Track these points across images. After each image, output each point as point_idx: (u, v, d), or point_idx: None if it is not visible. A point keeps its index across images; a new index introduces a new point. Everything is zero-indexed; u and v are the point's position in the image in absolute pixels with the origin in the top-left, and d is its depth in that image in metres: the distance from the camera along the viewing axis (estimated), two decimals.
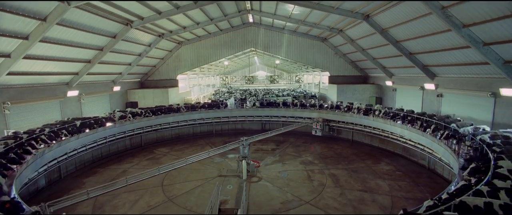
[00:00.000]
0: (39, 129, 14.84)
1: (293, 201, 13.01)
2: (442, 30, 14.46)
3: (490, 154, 9.62)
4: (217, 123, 27.21)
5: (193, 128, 26.56)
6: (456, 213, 6.51)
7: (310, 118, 25.23)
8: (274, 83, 57.01)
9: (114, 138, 20.44)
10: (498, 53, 12.76)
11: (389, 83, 26.10)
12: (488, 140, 10.93)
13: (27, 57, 14.84)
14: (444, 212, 6.60)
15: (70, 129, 16.43)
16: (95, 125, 18.49)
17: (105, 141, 19.64)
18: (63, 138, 15.63)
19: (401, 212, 7.14)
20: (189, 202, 13.05)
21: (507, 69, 12.86)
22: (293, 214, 11.92)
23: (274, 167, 17.58)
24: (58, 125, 16.20)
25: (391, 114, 19.28)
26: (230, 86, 53.97)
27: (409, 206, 11.48)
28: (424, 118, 16.30)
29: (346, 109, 23.45)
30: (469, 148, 11.75)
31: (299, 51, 31.80)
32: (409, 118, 17.50)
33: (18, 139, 12.92)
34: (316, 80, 46.12)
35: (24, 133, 14.04)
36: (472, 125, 13.80)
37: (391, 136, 19.71)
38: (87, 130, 17.81)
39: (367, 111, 21.48)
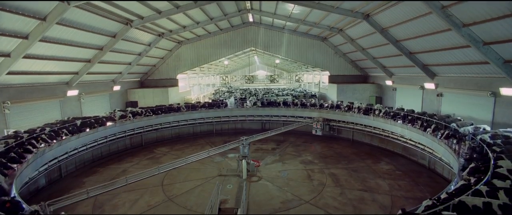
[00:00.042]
0: (39, 129, 14.87)
1: (293, 200, 13.02)
2: (442, 30, 14.45)
3: (490, 154, 9.62)
4: (217, 123, 27.22)
5: (193, 128, 26.58)
6: (454, 213, 6.50)
7: (310, 118, 25.25)
8: (274, 83, 57.02)
9: (114, 137, 20.45)
10: (498, 53, 12.76)
11: (389, 82, 26.10)
12: (489, 140, 10.91)
13: (27, 57, 14.84)
14: (442, 212, 6.59)
15: (70, 128, 16.44)
16: (95, 125, 18.50)
17: (105, 140, 19.65)
18: (63, 138, 15.64)
19: (400, 212, 7.12)
20: (189, 201, 13.06)
21: (507, 68, 12.86)
22: (293, 214, 11.93)
23: (274, 166, 17.59)
24: (58, 125, 16.23)
25: (392, 113, 19.27)
26: (230, 86, 53.98)
27: (409, 205, 11.50)
28: (425, 117, 16.28)
29: (346, 108, 23.46)
30: (469, 147, 11.74)
31: (299, 50, 31.79)
32: (409, 117, 17.50)
33: (18, 138, 12.93)
34: (316, 80, 46.14)
35: (25, 132, 14.07)
36: (472, 124, 13.79)
37: (391, 135, 19.71)
38: (88, 130, 17.82)
39: (368, 111, 21.48)
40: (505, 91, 13.71)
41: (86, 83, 22.61)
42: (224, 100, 28.59)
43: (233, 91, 41.77)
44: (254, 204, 12.67)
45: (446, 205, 6.85)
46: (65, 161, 16.31)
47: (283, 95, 35.52)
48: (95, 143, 18.83)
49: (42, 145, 13.92)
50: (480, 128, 13.14)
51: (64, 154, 15.95)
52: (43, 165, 14.14)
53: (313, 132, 24.58)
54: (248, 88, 45.59)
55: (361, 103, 23.24)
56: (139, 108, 23.79)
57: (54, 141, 14.82)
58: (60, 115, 20.04)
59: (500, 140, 10.74)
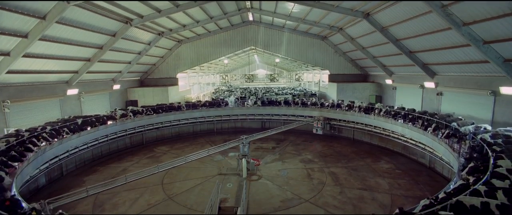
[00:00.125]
0: (40, 127, 14.91)
1: (293, 199, 13.04)
2: (442, 29, 14.43)
3: (490, 153, 9.60)
4: (217, 122, 27.24)
5: (193, 127, 26.60)
6: (451, 213, 6.48)
7: (311, 117, 25.28)
8: (274, 82, 56.88)
9: (115, 136, 20.51)
10: (498, 52, 12.75)
11: (389, 81, 26.09)
12: (489, 139, 10.87)
13: (27, 56, 14.80)
14: (440, 212, 6.57)
15: (71, 127, 16.48)
16: (96, 123, 18.53)
17: (106, 139, 19.71)
18: (64, 136, 15.65)
19: (397, 211, 7.11)
20: (189, 200, 13.08)
21: (507, 67, 12.85)
22: (293, 212, 11.95)
23: (274, 165, 17.61)
24: (59, 123, 16.26)
25: (393, 113, 19.26)
26: (230, 85, 53.93)
27: (408, 204, 11.55)
28: (425, 117, 16.25)
29: (347, 107, 23.45)
30: (469, 147, 11.73)
31: (299, 49, 31.74)
32: (410, 116, 17.47)
33: (20, 136, 12.95)
34: (316, 79, 46.10)
35: (26, 131, 14.10)
36: (473, 124, 13.75)
37: (392, 134, 19.71)
38: (89, 128, 17.84)
39: (369, 110, 21.47)
40: (505, 90, 13.71)
41: (86, 82, 22.58)
42: (224, 99, 28.60)
43: (233, 90, 41.75)
44: (254, 203, 12.69)
45: (444, 205, 6.84)
46: (65, 160, 16.35)
47: (283, 94, 35.50)
48: (96, 142, 18.89)
49: (43, 143, 13.94)
50: (481, 127, 13.11)
51: (65, 152, 16.00)
52: (44, 164, 14.18)
53: (314, 131, 24.61)
54: (248, 87, 45.55)
55: (362, 102, 23.23)
56: (140, 107, 23.81)
57: (55, 139, 14.85)
58: (60, 114, 20.03)
59: (501, 140, 10.71)
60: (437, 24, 14.43)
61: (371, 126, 21.36)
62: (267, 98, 29.03)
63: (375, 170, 16.50)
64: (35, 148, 13.02)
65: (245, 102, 28.32)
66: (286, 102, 27.27)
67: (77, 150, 17.23)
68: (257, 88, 43.94)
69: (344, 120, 23.78)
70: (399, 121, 18.39)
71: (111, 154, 20.34)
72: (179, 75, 33.52)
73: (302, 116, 25.98)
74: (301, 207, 12.36)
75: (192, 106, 26.23)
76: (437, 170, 15.99)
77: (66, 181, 15.64)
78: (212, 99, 30.63)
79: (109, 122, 19.77)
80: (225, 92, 39.82)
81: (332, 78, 31.87)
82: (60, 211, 7.82)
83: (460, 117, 15.48)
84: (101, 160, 19.24)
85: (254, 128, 26.54)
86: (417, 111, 17.94)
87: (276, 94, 36.00)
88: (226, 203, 12.30)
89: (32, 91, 17.50)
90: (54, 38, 15.59)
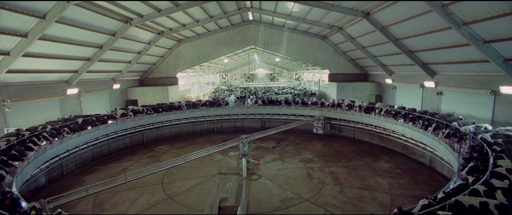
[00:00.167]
0: (41, 126, 14.92)
1: (292, 198, 13.05)
2: (442, 28, 14.43)
3: (490, 153, 9.60)
4: (217, 121, 27.25)
5: (193, 126, 26.61)
6: (450, 213, 6.48)
7: (311, 116, 25.28)
8: (274, 81, 56.89)
9: (116, 135, 20.51)
10: (498, 51, 12.75)
11: (389, 81, 26.08)
12: (490, 139, 10.85)
13: (26, 55, 14.80)
14: (438, 212, 6.56)
15: (72, 126, 16.49)
16: (97, 123, 18.55)
17: (107, 138, 19.72)
18: (65, 135, 15.66)
19: (396, 210, 7.10)
20: (189, 199, 13.09)
21: (507, 67, 12.85)
22: (293, 212, 11.96)
23: (274, 165, 17.61)
24: (60, 123, 16.28)
25: (393, 112, 19.25)
26: (229, 84, 53.92)
27: (408, 203, 11.56)
28: (426, 116, 16.22)
29: (347, 107, 23.45)
30: (469, 146, 11.72)
31: (299, 49, 31.73)
32: (410, 116, 17.46)
33: (20, 136, 12.97)
34: (316, 78, 46.08)
35: (27, 130, 14.11)
36: (474, 123, 13.72)
37: (392, 134, 19.71)
38: (89, 127, 17.85)
39: (369, 110, 21.46)
40: (505, 89, 13.72)
41: (85, 82, 22.58)
42: (225, 98, 28.61)
43: (233, 89, 41.73)
44: (254, 202, 12.70)
45: (442, 205, 6.83)
46: (65, 159, 16.34)
47: (283, 94, 35.48)
48: (97, 141, 18.89)
49: (44, 143, 13.95)
50: (481, 127, 13.09)
51: (65, 151, 15.99)
52: (44, 163, 14.18)
53: (315, 130, 24.63)
54: (248, 87, 45.54)
55: (362, 102, 23.22)
56: (141, 106, 23.83)
57: (56, 139, 14.86)
58: (60, 113, 20.03)
59: (501, 139, 10.70)
60: (437, 23, 14.43)
61: (372, 125, 21.36)
62: (267, 98, 29.03)
63: (375, 169, 16.51)
64: (35, 147, 13.03)
65: (246, 102, 28.32)
66: (287, 102, 27.28)
67: (77, 149, 17.23)
68: (257, 88, 43.92)
69: (345, 120, 23.77)
70: (400, 120, 18.39)
71: (111, 154, 20.34)
72: (179, 75, 33.53)
73: (303, 115, 25.98)
74: (301, 206, 12.37)
75: (193, 105, 26.25)
76: (437, 169, 15.99)
77: (66, 181, 15.65)
78: (213, 98, 30.61)
79: (110, 122, 19.77)
80: (225, 92, 39.80)
81: (332, 78, 31.87)
82: (59, 210, 7.81)
83: (460, 117, 15.47)
84: (101, 159, 19.24)
85: (254, 128, 26.55)
86: (417, 110, 17.92)
87: (276, 93, 35.98)
88: (226, 203, 12.31)
89: (32, 90, 17.50)
90: (54, 38, 15.59)
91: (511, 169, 8.17)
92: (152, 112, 23.29)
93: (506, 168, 8.24)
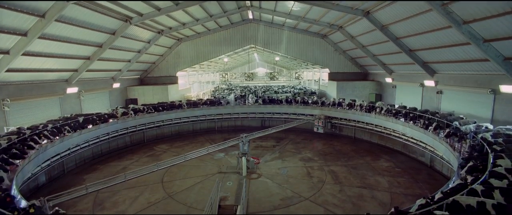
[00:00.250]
0: (42, 125, 14.95)
1: (292, 197, 13.07)
2: (442, 27, 14.41)
3: (490, 153, 9.58)
4: (217, 120, 27.27)
5: (193, 125, 26.62)
6: (447, 213, 6.47)
7: (311, 115, 25.29)
8: (274, 80, 56.87)
9: (116, 134, 20.54)
10: (498, 50, 12.74)
11: (389, 80, 26.08)
12: (490, 139, 10.83)
13: (26, 54, 14.79)
14: (435, 211, 6.55)
15: (72, 125, 16.51)
16: (98, 121, 18.57)
17: (107, 137, 19.75)
18: (66, 134, 15.68)
19: (393, 210, 7.07)
20: (189, 198, 13.11)
21: (507, 66, 12.85)
22: (292, 211, 11.98)
23: (273, 163, 17.63)
24: (61, 121, 16.31)
25: (394, 111, 19.24)
26: (229, 83, 53.86)
27: (407, 202, 11.59)
28: (427, 115, 16.18)
29: (348, 106, 23.44)
30: (470, 146, 11.72)
31: (299, 47, 31.70)
32: (411, 115, 17.45)
33: (21, 134, 12.99)
34: (316, 77, 46.04)
35: (28, 129, 14.13)
36: (475, 123, 13.72)
37: (392, 133, 19.72)
38: (90, 126, 17.87)
39: (370, 109, 21.46)
40: (505, 88, 13.72)
41: (85, 81, 22.57)
42: (225, 97, 28.61)
43: (233, 88, 41.71)
44: (254, 201, 12.72)
45: (440, 204, 6.82)
46: (66, 158, 16.37)
47: (283, 93, 35.47)
48: (97, 140, 18.93)
49: (45, 141, 13.96)
50: (482, 126, 13.08)
51: (66, 150, 16.02)
52: (45, 161, 14.22)
53: (315, 129, 24.65)
54: (248, 86, 45.51)
55: (363, 101, 23.21)
56: (141, 105, 23.83)
57: (57, 137, 14.88)
58: (60, 112, 20.04)
59: (501, 139, 10.68)
60: (437, 22, 14.41)
61: (372, 124, 21.37)
62: (268, 96, 29.02)
63: (374, 168, 16.53)
64: (36, 146, 13.05)
65: (246, 101, 28.33)
66: (287, 101, 27.29)
67: (78, 148, 17.27)
68: (257, 87, 43.88)
69: (345, 119, 23.78)
70: (400, 120, 18.39)
71: (111, 152, 20.36)
72: (179, 74, 33.50)
73: (303, 114, 25.99)
74: (300, 205, 12.39)
75: (193, 104, 26.30)
76: (436, 168, 16.02)
77: (66, 179, 15.67)
78: (214, 97, 30.60)
79: (110, 120, 19.79)
80: (225, 91, 39.78)
81: (332, 77, 31.86)
82: (56, 208, 7.80)
83: (461, 116, 15.48)
84: (101, 158, 19.26)
85: (254, 127, 26.55)
86: (418, 110, 17.90)
87: (276, 92, 35.96)
88: (226, 202, 12.32)
89: (31, 89, 17.49)
90: (53, 37, 15.57)
91: (511, 169, 8.16)
92: (153, 111, 23.33)
93: (505, 168, 8.23)
